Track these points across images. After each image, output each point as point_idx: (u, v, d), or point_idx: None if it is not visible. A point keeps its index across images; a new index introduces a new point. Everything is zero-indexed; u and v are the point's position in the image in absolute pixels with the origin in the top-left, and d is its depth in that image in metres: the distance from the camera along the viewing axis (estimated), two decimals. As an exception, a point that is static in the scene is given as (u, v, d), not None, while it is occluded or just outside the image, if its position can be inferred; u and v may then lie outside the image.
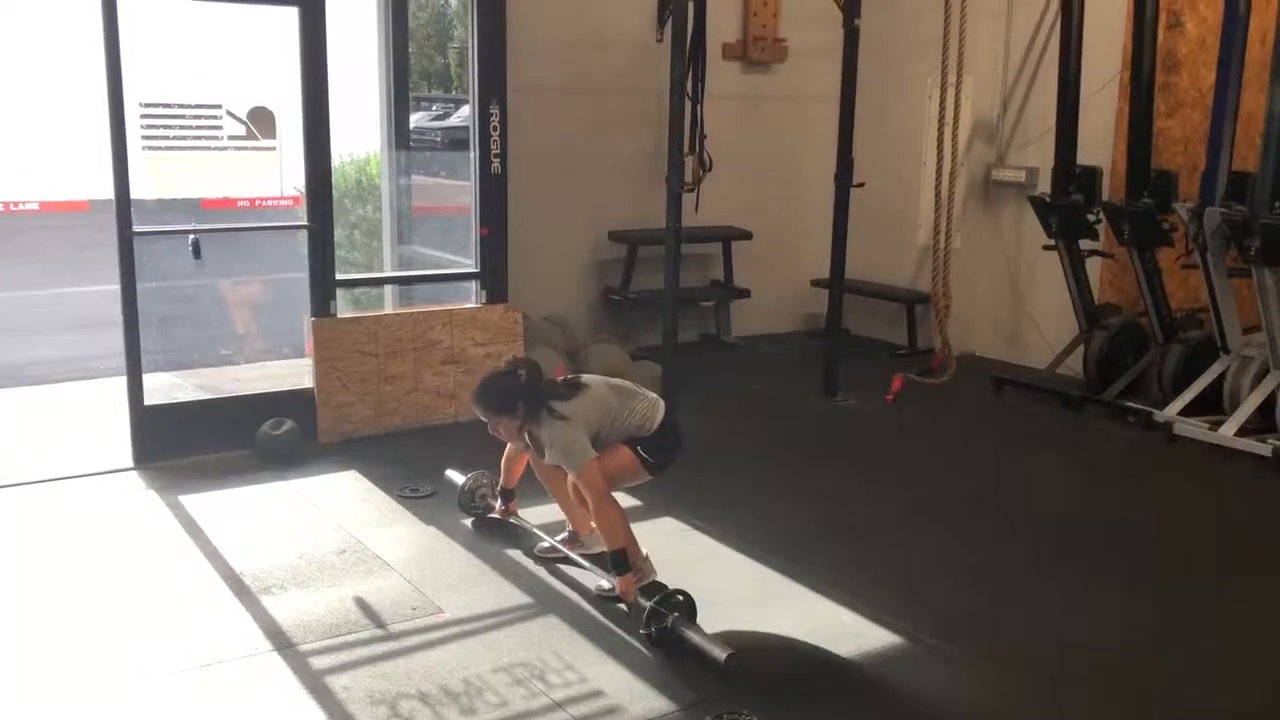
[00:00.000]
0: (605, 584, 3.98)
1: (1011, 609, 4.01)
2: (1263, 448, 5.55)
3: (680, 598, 3.62)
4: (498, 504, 4.52)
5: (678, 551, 4.31)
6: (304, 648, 3.56)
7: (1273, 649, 3.79)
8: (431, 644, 3.62)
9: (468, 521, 4.62)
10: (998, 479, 5.43)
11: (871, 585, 4.10)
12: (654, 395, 4.05)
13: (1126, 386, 6.53)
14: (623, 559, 3.78)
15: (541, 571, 4.17)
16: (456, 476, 4.74)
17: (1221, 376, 6.03)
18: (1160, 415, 6.05)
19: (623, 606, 3.79)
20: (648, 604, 3.59)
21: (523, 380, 3.90)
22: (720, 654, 3.36)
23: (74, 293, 9.05)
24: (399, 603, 3.89)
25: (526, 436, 4.00)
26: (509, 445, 4.24)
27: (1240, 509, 5.09)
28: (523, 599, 3.95)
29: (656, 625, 3.55)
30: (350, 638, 3.64)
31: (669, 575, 4.05)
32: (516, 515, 4.51)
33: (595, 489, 3.79)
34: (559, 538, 4.32)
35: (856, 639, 3.71)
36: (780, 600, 4.00)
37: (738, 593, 4.03)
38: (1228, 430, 5.74)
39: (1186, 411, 6.00)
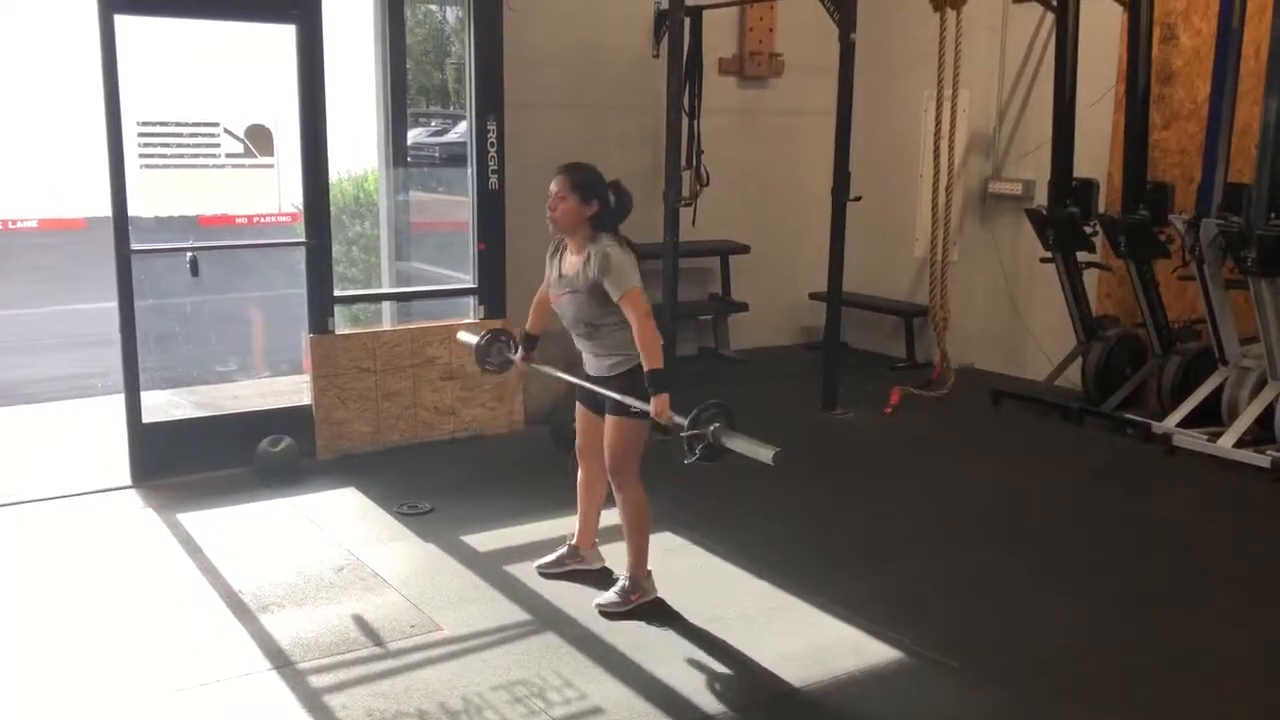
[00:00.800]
0: (604, 599, 3.97)
1: (1012, 623, 4.00)
2: (1262, 459, 5.55)
3: (713, 410, 3.51)
4: (518, 354, 4.27)
5: (677, 567, 4.30)
6: (302, 666, 3.55)
7: (1276, 663, 3.77)
8: (430, 661, 3.61)
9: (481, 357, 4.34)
10: (997, 492, 5.42)
11: (871, 599, 4.09)
12: None
13: (1125, 398, 6.54)
14: (663, 377, 3.65)
15: (540, 588, 4.16)
16: (470, 337, 4.46)
17: (1220, 388, 6.03)
18: (1159, 427, 6.05)
19: (661, 436, 3.63)
20: (683, 421, 3.49)
21: (612, 193, 3.81)
22: (767, 455, 3.30)
23: (72, 310, 9.05)
24: (398, 620, 3.87)
25: (565, 251, 3.88)
26: (541, 288, 4.10)
27: (1240, 521, 5.08)
28: (522, 616, 3.94)
29: (701, 446, 3.46)
30: (349, 656, 3.62)
31: (668, 591, 4.05)
32: (536, 363, 4.27)
33: (640, 309, 3.69)
34: (560, 552, 4.31)
35: (857, 654, 3.70)
36: (780, 615, 3.99)
37: (738, 608, 4.02)
38: (1226, 441, 5.73)
39: (1185, 423, 6.00)
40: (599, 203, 3.78)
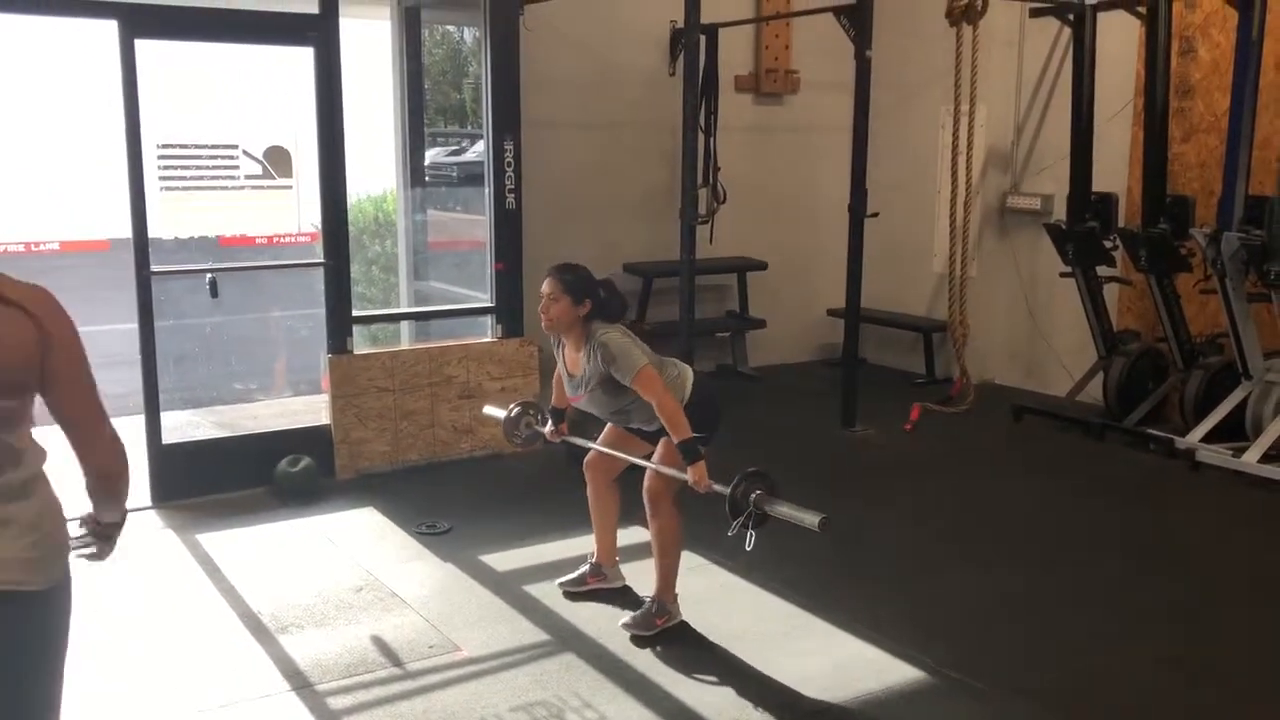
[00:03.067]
0: (630, 621, 3.95)
1: (1036, 642, 3.96)
2: (1288, 474, 5.49)
3: (752, 475, 3.50)
4: (547, 427, 4.25)
5: (698, 586, 4.28)
6: (321, 687, 3.54)
7: (1304, 681, 3.72)
8: (449, 683, 3.60)
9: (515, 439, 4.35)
10: (1020, 509, 5.37)
11: (894, 619, 4.06)
12: (683, 364, 3.99)
13: (1147, 413, 6.48)
14: (693, 448, 3.64)
15: (559, 608, 4.14)
16: (496, 411, 4.45)
17: (1243, 402, 5.97)
18: (1182, 442, 5.99)
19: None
20: (724, 490, 3.48)
21: (603, 291, 3.85)
22: (813, 521, 3.28)
23: (93, 331, 9.09)
24: (416, 641, 3.86)
25: (565, 348, 3.92)
26: (559, 367, 4.10)
27: (1266, 537, 5.02)
28: (541, 636, 3.92)
29: (744, 515, 3.44)
30: (368, 677, 3.62)
31: (690, 610, 4.03)
32: (567, 436, 4.23)
33: (655, 387, 3.69)
34: (582, 570, 4.30)
35: (879, 674, 3.66)
36: (802, 635, 3.96)
37: (760, 628, 4.00)
38: (1251, 457, 5.67)
39: (1209, 438, 5.94)
40: (591, 302, 3.82)
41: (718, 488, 3.55)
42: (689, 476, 3.67)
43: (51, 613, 2.04)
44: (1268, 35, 5.83)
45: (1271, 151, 5.83)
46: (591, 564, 4.29)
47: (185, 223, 5.49)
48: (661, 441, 3.86)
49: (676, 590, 3.99)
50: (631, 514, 4.21)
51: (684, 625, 3.96)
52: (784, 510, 3.40)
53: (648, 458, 3.94)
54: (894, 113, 7.68)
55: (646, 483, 3.89)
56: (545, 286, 3.84)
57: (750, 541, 3.47)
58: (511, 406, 4.38)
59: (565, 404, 4.17)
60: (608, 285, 3.91)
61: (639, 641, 3.86)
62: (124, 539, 4.65)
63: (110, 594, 4.26)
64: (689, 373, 3.94)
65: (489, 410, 4.59)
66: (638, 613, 3.96)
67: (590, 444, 4.15)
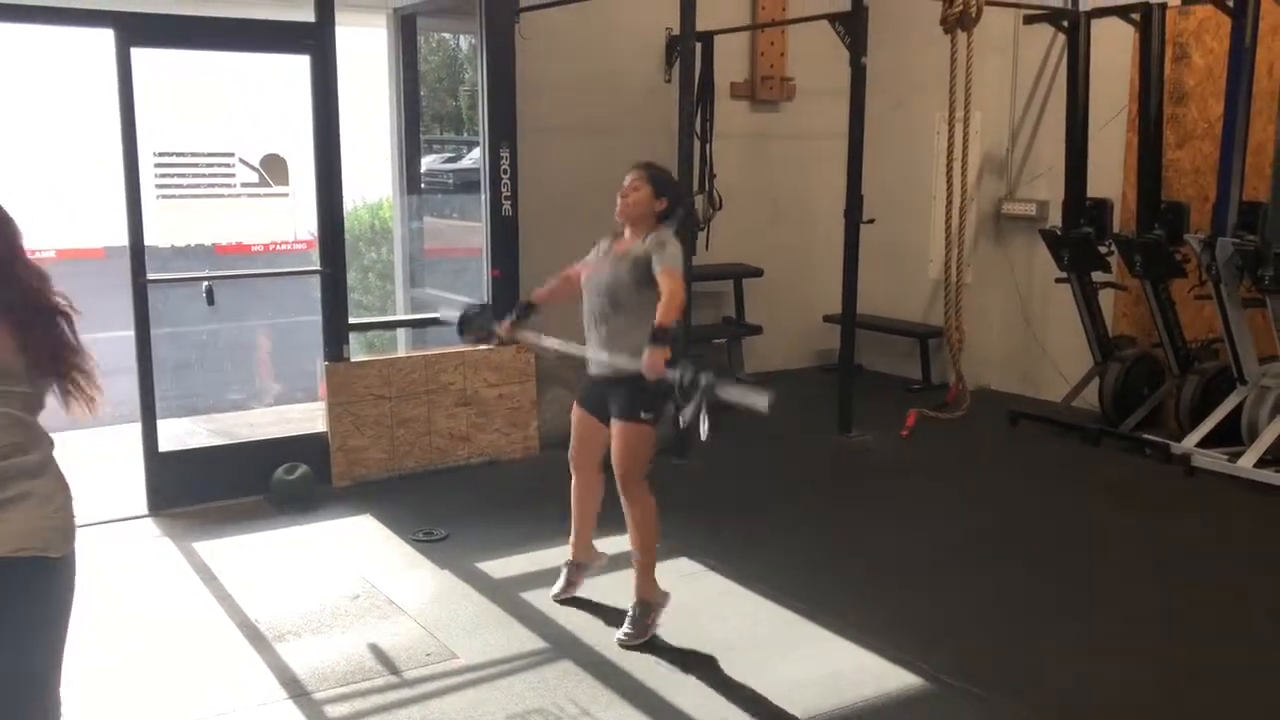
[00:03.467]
0: (622, 634, 3.92)
1: (1034, 648, 3.96)
2: (1283, 479, 5.50)
3: (700, 359, 3.52)
4: (502, 324, 4.19)
5: (694, 593, 4.28)
6: (319, 696, 3.54)
7: (1300, 685, 3.73)
8: (447, 690, 3.59)
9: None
10: (1016, 514, 5.38)
11: (891, 625, 4.06)
12: None
13: (1143, 419, 6.50)
14: (667, 335, 3.57)
15: (556, 615, 4.14)
16: (451, 313, 4.43)
17: (1239, 407, 5.98)
18: (1178, 447, 6.00)
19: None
20: (675, 374, 3.46)
21: (681, 194, 3.90)
22: (762, 401, 3.32)
23: (89, 339, 9.10)
24: (414, 649, 3.86)
25: (613, 242, 3.93)
26: (570, 270, 4.12)
27: (1264, 542, 5.03)
28: (538, 644, 3.92)
29: (694, 400, 3.41)
30: (365, 685, 3.61)
31: (685, 619, 4.03)
32: (518, 332, 4.18)
33: (675, 278, 3.69)
34: (563, 576, 4.30)
35: (878, 681, 3.66)
36: (800, 642, 3.96)
37: (756, 635, 4.00)
38: (1247, 461, 5.68)
39: (1204, 443, 5.95)
40: (669, 200, 3.86)
41: (670, 374, 3.51)
42: (644, 359, 3.56)
43: (66, 577, 2.27)
44: (1260, 41, 5.85)
45: (1265, 157, 5.85)
46: (570, 564, 4.28)
47: (181, 231, 5.49)
48: (615, 425, 3.88)
49: (655, 577, 3.98)
50: (617, 521, 4.18)
51: (667, 595, 3.98)
52: (734, 392, 3.44)
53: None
54: (889, 119, 7.70)
55: (618, 469, 3.90)
56: (629, 177, 3.90)
57: (705, 429, 3.47)
58: (468, 305, 4.43)
59: (543, 299, 4.19)
60: (687, 202, 3.93)
61: (639, 648, 3.85)
62: (119, 547, 4.66)
63: (107, 602, 4.26)
64: None
65: (443, 314, 4.61)
66: (626, 625, 3.93)
67: (541, 338, 4.09)
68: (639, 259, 3.79)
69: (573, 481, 4.21)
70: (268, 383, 7.41)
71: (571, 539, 4.29)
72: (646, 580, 3.98)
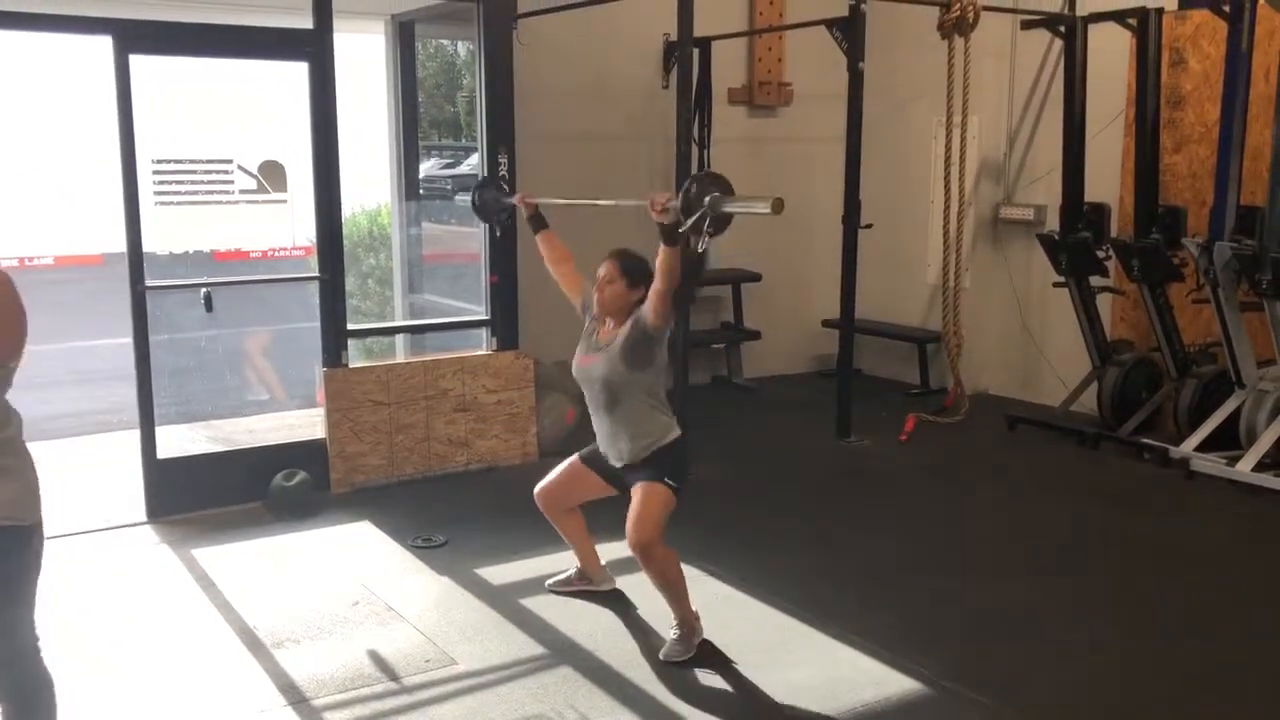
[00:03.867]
0: (667, 652, 3.84)
1: (1033, 653, 3.96)
2: (1281, 483, 5.51)
3: (703, 177, 3.55)
4: (515, 197, 4.44)
5: (694, 597, 4.25)
6: (317, 702, 3.53)
7: (1300, 689, 3.73)
8: (446, 696, 3.59)
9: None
10: (1015, 519, 5.38)
11: (890, 629, 4.06)
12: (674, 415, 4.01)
13: (1142, 423, 6.50)
14: (673, 232, 3.57)
15: (556, 621, 4.14)
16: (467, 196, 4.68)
17: (1237, 411, 5.99)
18: (1176, 451, 6.01)
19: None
20: (676, 203, 3.52)
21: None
22: (764, 206, 3.34)
23: (88, 346, 9.10)
24: (413, 655, 3.86)
25: (601, 325, 3.92)
26: (566, 265, 4.17)
27: (1262, 545, 5.04)
28: (537, 649, 3.92)
29: (697, 215, 3.45)
30: (364, 691, 3.61)
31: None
32: (533, 200, 4.40)
33: (657, 282, 3.67)
34: (569, 573, 4.35)
35: (877, 686, 3.66)
36: (799, 647, 3.96)
37: (756, 639, 3.99)
38: (1245, 465, 5.69)
39: (1203, 447, 5.96)
40: (645, 289, 3.82)
41: (674, 203, 3.55)
42: (650, 210, 3.61)
43: (35, 542, 2.69)
44: (1257, 46, 5.87)
45: (1262, 162, 5.86)
46: (578, 570, 4.36)
47: (180, 237, 5.49)
48: (640, 487, 3.82)
49: (696, 609, 3.93)
50: (614, 529, 4.17)
51: (707, 642, 3.92)
52: (737, 205, 3.47)
53: (620, 496, 3.95)
54: (887, 124, 7.71)
55: (636, 534, 3.76)
56: (603, 269, 3.88)
57: (704, 243, 3.52)
58: (472, 189, 4.60)
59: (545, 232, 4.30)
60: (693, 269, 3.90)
61: (678, 665, 3.78)
62: (118, 554, 4.66)
63: (105, 609, 4.26)
64: (677, 426, 3.94)
65: (460, 198, 4.72)
66: (670, 644, 3.86)
67: (549, 199, 4.27)
68: (626, 343, 3.79)
69: (550, 521, 4.27)
70: (266, 389, 7.40)
71: (576, 557, 4.35)
72: (682, 606, 3.87)
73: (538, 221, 4.37)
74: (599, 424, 3.98)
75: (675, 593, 3.85)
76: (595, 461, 4.06)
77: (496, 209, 4.60)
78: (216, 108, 5.47)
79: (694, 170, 6.93)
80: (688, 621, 3.87)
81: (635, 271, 3.85)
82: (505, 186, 4.54)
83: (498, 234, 4.79)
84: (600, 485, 4.07)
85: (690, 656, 3.82)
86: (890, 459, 6.38)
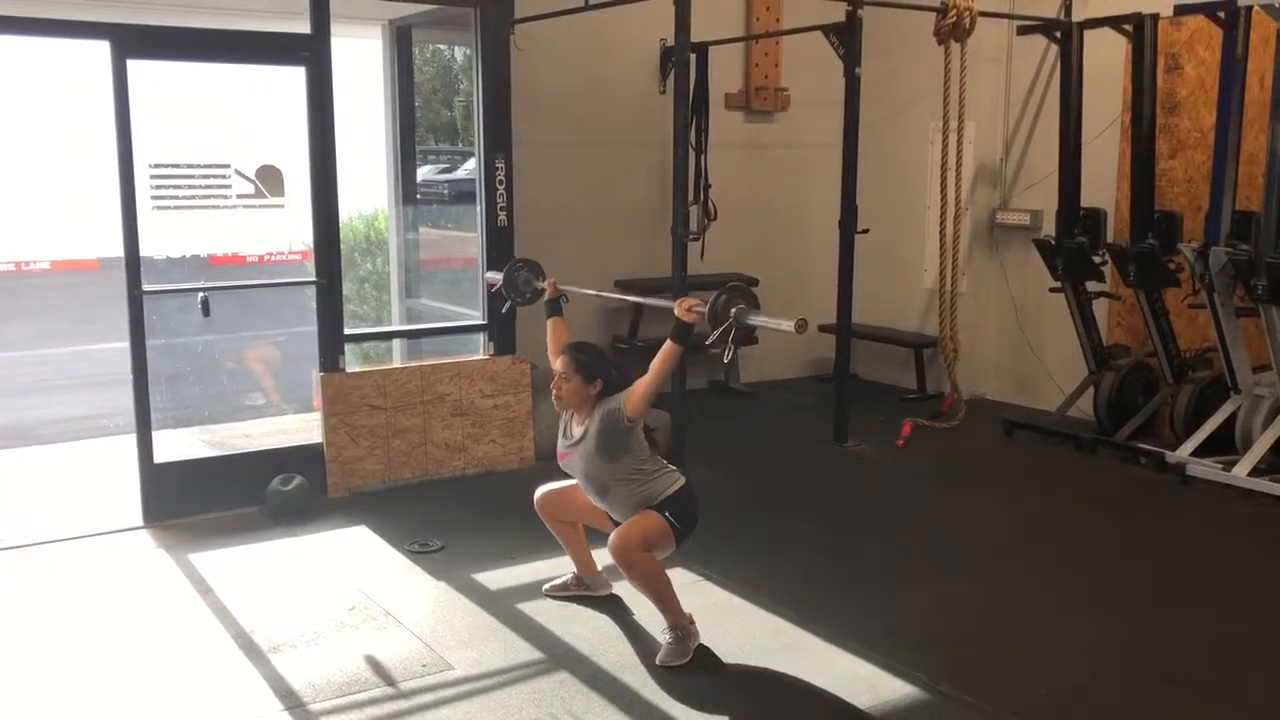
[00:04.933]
0: (663, 657, 3.85)
1: (1030, 657, 3.96)
2: (1277, 488, 5.51)
3: (732, 289, 3.64)
4: (544, 282, 4.53)
5: (691, 603, 4.25)
6: (314, 707, 3.53)
7: (1295, 694, 3.74)
8: (442, 702, 3.59)
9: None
10: (1011, 524, 5.39)
11: (887, 635, 4.06)
12: (673, 469, 4.01)
13: (1138, 428, 6.51)
14: (688, 333, 3.74)
15: (552, 626, 4.14)
16: (496, 275, 4.83)
17: (1233, 416, 6.00)
18: (1172, 456, 6.01)
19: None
20: (703, 309, 3.64)
21: (614, 370, 3.94)
22: (789, 325, 3.44)
23: (85, 350, 9.10)
24: (409, 660, 3.86)
25: (572, 417, 3.96)
26: (556, 352, 4.16)
27: (1257, 550, 5.04)
28: (534, 654, 3.92)
29: (724, 326, 3.58)
30: (361, 696, 3.61)
31: (681, 628, 4.03)
32: (561, 288, 4.48)
33: (644, 378, 3.77)
34: (566, 577, 4.36)
35: (873, 690, 3.66)
36: (795, 652, 3.96)
37: (753, 644, 4.00)
38: (1241, 470, 5.70)
39: (1199, 452, 5.96)
40: (602, 382, 3.88)
41: (699, 308, 3.67)
42: (676, 309, 3.72)
43: None
44: (1252, 52, 5.88)
45: (1257, 167, 5.88)
46: (574, 575, 4.37)
47: (177, 242, 5.50)
48: (647, 512, 3.86)
49: (690, 613, 3.94)
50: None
51: (703, 646, 3.94)
52: (761, 319, 3.58)
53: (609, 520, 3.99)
54: (883, 129, 7.72)
55: (614, 541, 3.79)
56: (559, 364, 3.93)
57: (730, 354, 3.65)
58: (511, 264, 4.73)
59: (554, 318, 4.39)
60: (618, 365, 4.00)
61: (678, 669, 3.79)
62: (115, 559, 4.67)
63: (102, 614, 4.25)
64: (679, 477, 3.95)
65: (490, 276, 4.97)
66: (665, 649, 3.86)
67: (587, 290, 4.48)
68: (598, 438, 3.82)
69: (547, 526, 4.29)
70: (264, 394, 7.40)
71: (572, 560, 4.37)
72: (672, 610, 3.88)
73: (554, 307, 4.43)
74: (596, 504, 4.03)
75: (662, 595, 3.86)
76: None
77: (526, 289, 4.70)
78: (214, 113, 5.47)
79: (691, 176, 6.95)
80: (681, 625, 3.87)
81: (590, 366, 3.88)
82: (542, 271, 4.65)
83: (504, 310, 4.97)
84: (604, 517, 4.06)
85: (687, 660, 3.82)
86: (887, 464, 6.38)
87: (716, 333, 3.59)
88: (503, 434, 6.05)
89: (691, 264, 6.21)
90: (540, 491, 4.28)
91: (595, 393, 3.87)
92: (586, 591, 4.34)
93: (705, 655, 3.88)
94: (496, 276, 4.80)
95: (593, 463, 3.87)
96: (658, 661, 3.83)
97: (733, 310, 3.59)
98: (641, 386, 3.78)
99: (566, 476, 4.14)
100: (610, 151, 7.43)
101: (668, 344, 3.76)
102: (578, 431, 3.93)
